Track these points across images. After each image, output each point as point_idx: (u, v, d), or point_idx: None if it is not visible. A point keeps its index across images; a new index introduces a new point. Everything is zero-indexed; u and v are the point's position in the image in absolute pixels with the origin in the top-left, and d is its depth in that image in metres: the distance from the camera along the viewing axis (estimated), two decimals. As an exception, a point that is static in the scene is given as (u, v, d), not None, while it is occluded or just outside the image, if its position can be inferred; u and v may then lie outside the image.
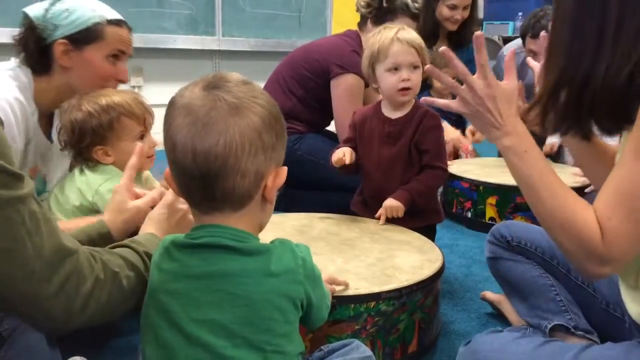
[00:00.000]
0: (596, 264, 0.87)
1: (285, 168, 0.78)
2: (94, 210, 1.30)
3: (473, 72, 0.99)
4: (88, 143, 1.31)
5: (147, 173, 1.46)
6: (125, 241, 0.92)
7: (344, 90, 2.20)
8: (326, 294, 0.87)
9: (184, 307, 0.74)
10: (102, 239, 1.08)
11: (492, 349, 1.01)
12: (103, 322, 0.84)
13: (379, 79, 1.57)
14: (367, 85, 2.28)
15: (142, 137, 1.36)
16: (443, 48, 0.97)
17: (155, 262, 0.80)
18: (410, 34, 1.56)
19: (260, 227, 0.82)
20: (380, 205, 1.57)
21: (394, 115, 1.60)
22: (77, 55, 1.38)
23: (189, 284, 0.75)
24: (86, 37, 1.37)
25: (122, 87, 1.53)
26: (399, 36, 1.52)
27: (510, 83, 0.97)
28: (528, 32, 2.52)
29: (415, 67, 1.54)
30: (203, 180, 0.72)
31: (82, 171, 1.34)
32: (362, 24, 2.36)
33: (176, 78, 4.35)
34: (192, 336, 0.73)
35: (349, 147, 1.61)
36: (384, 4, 2.23)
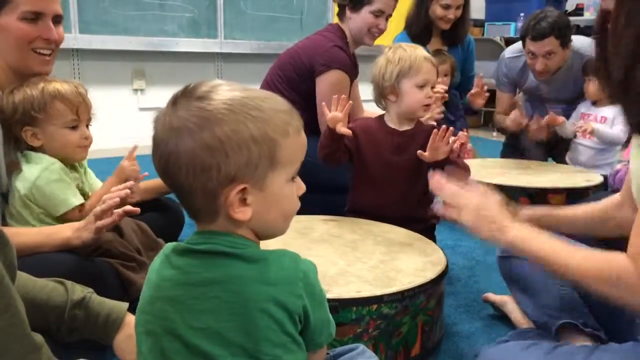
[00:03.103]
0: (634, 293, 0.90)
1: (242, 186, 0.72)
2: (34, 200, 1.31)
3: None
4: (17, 120, 1.31)
5: (91, 175, 1.49)
6: None
7: (328, 86, 2.17)
8: (330, 320, 0.82)
9: (182, 314, 0.73)
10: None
11: None
12: None
13: (404, 93, 1.66)
14: (351, 81, 2.29)
15: (74, 127, 1.36)
16: (434, 179, 1.14)
17: (155, 268, 0.79)
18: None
19: (258, 235, 0.78)
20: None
21: (402, 128, 1.70)
22: None
23: (187, 291, 0.74)
24: None
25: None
26: (430, 57, 1.68)
27: (474, 193, 1.10)
28: (528, 34, 2.48)
29: (433, 87, 1.69)
30: (175, 194, 0.76)
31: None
32: (341, 14, 2.37)
33: (178, 81, 4.33)
34: (190, 344, 0.72)
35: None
36: None
